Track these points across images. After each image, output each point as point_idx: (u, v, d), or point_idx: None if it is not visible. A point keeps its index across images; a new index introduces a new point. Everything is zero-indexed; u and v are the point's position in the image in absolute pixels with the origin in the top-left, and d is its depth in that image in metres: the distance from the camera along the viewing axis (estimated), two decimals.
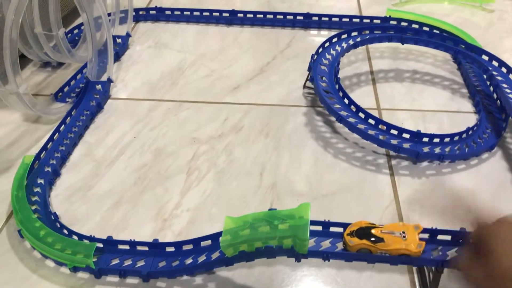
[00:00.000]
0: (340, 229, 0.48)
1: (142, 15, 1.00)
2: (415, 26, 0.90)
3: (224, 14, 0.99)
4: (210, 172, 0.64)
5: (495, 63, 0.75)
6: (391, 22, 0.93)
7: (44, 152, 0.64)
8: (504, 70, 0.74)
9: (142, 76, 0.84)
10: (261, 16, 0.98)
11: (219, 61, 0.88)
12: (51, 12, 0.73)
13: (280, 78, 0.83)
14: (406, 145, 0.63)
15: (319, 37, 0.95)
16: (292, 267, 0.52)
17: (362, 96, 0.78)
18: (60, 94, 0.78)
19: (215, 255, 0.48)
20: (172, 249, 0.51)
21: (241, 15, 0.99)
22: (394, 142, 0.64)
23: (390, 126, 0.65)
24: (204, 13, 0.99)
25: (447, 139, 0.65)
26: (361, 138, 0.65)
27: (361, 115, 0.67)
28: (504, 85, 0.71)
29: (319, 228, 0.48)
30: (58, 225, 0.55)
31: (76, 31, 0.93)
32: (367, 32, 0.82)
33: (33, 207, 0.56)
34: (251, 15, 0.99)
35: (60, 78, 0.82)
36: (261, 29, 0.98)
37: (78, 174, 0.64)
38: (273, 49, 0.91)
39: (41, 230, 0.52)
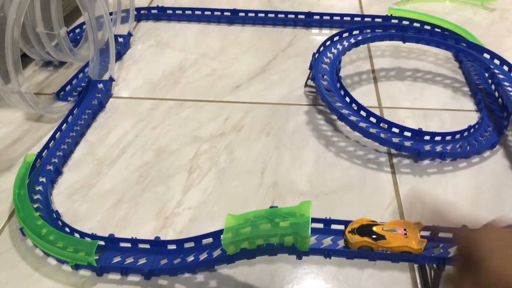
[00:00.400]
0: (342, 227, 0.48)
1: (144, 14, 1.01)
2: (416, 24, 0.90)
3: (225, 13, 0.99)
4: (211, 171, 0.64)
5: (496, 61, 0.75)
6: (393, 20, 0.94)
7: (46, 150, 0.64)
8: (505, 68, 0.74)
9: (144, 75, 0.84)
10: (263, 15, 0.98)
11: (220, 60, 0.88)
12: (53, 11, 0.74)
13: (281, 77, 0.83)
14: (407, 143, 0.63)
15: (320, 36, 0.95)
16: (293, 265, 0.52)
17: (364, 95, 0.78)
18: (62, 93, 0.78)
19: (217, 252, 0.48)
20: (173, 246, 0.52)
21: (243, 14, 0.99)
22: (395, 140, 0.64)
23: (391, 125, 0.65)
24: (206, 12, 0.99)
25: (448, 137, 0.65)
26: (362, 137, 0.65)
27: (363, 113, 0.67)
28: (506, 83, 0.71)
29: (321, 225, 0.48)
30: (60, 223, 0.55)
31: (78, 30, 0.93)
32: (369, 30, 0.82)
33: (35, 206, 0.56)
34: (253, 14, 0.99)
35: (62, 77, 0.83)
36: (263, 28, 0.98)
37: (80, 172, 0.64)
38: (274, 48, 0.91)
39: (43, 228, 0.52)
